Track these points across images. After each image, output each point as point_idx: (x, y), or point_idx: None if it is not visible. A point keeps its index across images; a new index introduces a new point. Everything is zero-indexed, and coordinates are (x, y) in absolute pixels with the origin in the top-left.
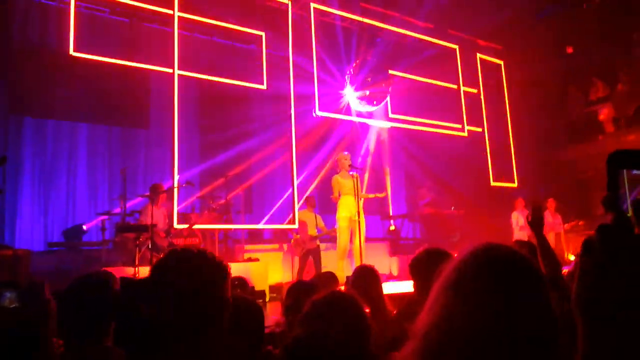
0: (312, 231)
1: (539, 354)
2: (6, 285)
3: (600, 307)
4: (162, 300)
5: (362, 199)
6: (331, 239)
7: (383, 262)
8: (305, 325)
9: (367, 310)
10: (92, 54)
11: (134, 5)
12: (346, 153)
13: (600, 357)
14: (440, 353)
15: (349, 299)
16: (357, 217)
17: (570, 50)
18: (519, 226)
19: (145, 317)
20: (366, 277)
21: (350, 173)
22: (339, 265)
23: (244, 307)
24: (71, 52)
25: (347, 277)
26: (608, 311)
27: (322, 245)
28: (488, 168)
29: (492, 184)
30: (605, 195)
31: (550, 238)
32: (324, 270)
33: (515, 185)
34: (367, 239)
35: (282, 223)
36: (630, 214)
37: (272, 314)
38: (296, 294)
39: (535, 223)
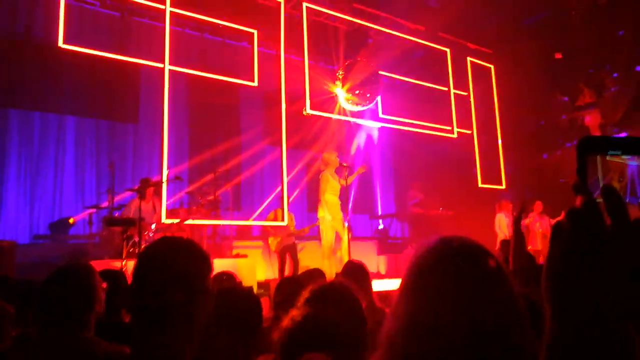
0: (292, 227)
1: (508, 346)
2: None
3: (567, 292)
4: (146, 286)
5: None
6: (303, 237)
7: (371, 260)
8: (303, 309)
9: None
10: (82, 47)
11: None
12: (334, 152)
13: (567, 346)
14: (406, 359)
15: (346, 287)
16: (341, 215)
17: (558, 56)
18: (500, 228)
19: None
20: (356, 273)
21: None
22: (325, 263)
23: (241, 298)
24: (60, 44)
25: (337, 274)
26: (575, 296)
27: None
28: (476, 170)
29: (480, 185)
30: (574, 181)
31: (538, 240)
32: (301, 266)
33: (503, 187)
34: (356, 238)
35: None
36: (600, 199)
37: None
38: (286, 291)
39: (517, 220)
